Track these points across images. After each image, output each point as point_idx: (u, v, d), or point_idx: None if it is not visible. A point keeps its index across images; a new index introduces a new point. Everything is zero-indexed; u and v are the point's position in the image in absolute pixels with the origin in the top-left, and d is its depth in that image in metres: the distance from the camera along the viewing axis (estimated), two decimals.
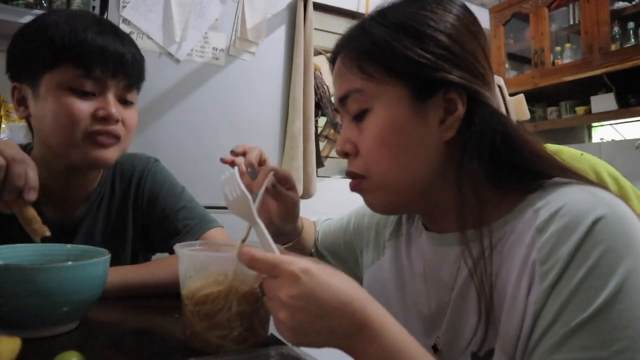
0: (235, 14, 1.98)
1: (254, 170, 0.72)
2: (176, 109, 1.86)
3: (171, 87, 1.86)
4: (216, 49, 1.94)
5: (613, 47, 2.45)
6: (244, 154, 0.73)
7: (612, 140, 2.80)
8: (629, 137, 2.74)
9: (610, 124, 2.91)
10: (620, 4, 2.50)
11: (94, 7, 1.73)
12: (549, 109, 2.94)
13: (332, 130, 2.44)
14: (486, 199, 0.54)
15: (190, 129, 1.88)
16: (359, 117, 0.59)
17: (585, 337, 0.42)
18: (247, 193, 0.53)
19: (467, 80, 0.55)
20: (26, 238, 0.69)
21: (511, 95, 2.10)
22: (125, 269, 0.80)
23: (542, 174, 0.54)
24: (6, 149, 0.64)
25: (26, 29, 0.80)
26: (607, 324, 0.42)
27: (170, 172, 0.99)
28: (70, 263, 0.58)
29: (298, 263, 0.44)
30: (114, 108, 0.80)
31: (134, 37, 1.77)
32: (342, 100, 0.60)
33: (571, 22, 2.78)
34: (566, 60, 2.70)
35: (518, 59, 3.09)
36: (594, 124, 3.02)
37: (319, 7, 2.36)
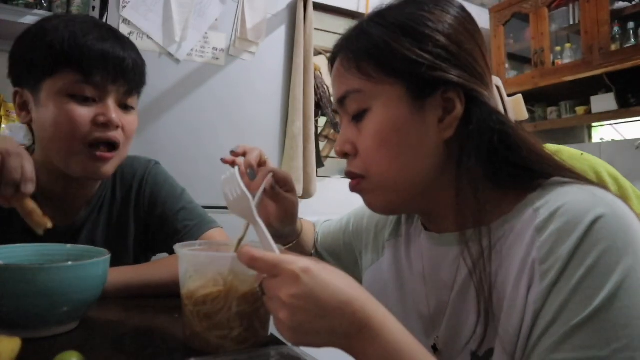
0: (235, 14, 1.98)
1: (253, 171, 0.72)
2: (176, 109, 1.86)
3: (171, 87, 1.86)
4: (216, 49, 1.94)
5: (613, 47, 2.45)
6: (244, 155, 0.73)
7: (612, 140, 2.80)
8: (629, 137, 2.74)
9: (610, 124, 2.91)
10: (620, 4, 2.50)
11: (94, 7, 1.73)
12: (549, 109, 2.94)
13: (332, 130, 2.44)
14: (485, 198, 0.54)
15: (190, 129, 1.88)
16: (358, 117, 0.59)
17: (584, 336, 0.42)
18: (248, 193, 0.54)
19: (465, 79, 0.55)
20: (26, 238, 0.69)
21: (510, 95, 2.10)
22: (126, 269, 0.80)
23: (541, 173, 0.54)
24: (6, 142, 0.63)
25: (27, 33, 0.80)
26: (607, 323, 0.42)
27: (170, 174, 0.99)
28: (70, 263, 0.58)
29: (298, 262, 0.44)
30: (114, 114, 0.79)
31: (133, 37, 1.78)
32: (341, 100, 0.60)
33: (571, 22, 2.78)
34: (566, 60, 2.70)
35: (518, 59, 3.09)
36: (594, 124, 3.02)
37: (319, 7, 2.36)
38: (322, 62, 2.36)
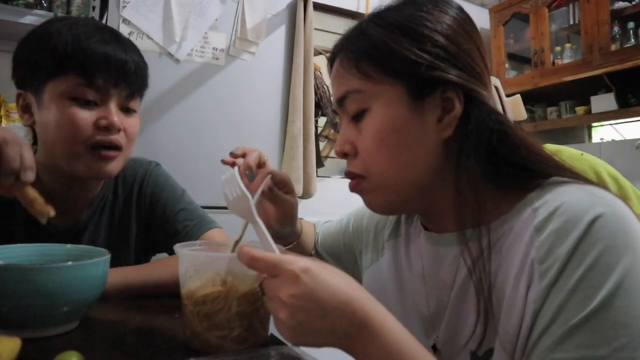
0: (235, 14, 1.98)
1: (251, 173, 0.72)
2: (176, 109, 1.86)
3: (171, 87, 1.86)
4: (216, 49, 1.94)
5: (613, 47, 2.45)
6: (243, 156, 0.73)
7: (612, 140, 2.80)
8: (629, 137, 2.74)
9: (610, 124, 2.91)
10: (620, 4, 2.50)
11: (94, 7, 1.73)
12: (549, 109, 2.95)
13: (332, 130, 2.44)
14: (485, 198, 0.54)
15: (190, 129, 1.88)
16: (358, 117, 0.59)
17: (584, 335, 0.42)
18: (248, 193, 0.54)
19: (463, 79, 0.55)
20: (29, 228, 0.69)
21: (510, 95, 2.11)
22: (126, 269, 0.80)
23: (540, 173, 0.54)
24: (5, 132, 0.62)
25: (30, 36, 0.80)
26: (606, 323, 0.42)
27: (170, 175, 1.00)
28: (70, 263, 0.58)
29: (298, 262, 0.44)
30: (116, 117, 0.80)
31: (133, 37, 1.78)
32: (341, 101, 0.61)
33: (571, 22, 2.78)
34: (566, 60, 2.71)
35: (518, 59, 3.09)
36: (594, 124, 3.02)
37: (319, 7, 2.36)
38: (322, 62, 2.36)
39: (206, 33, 1.92)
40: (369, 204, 0.62)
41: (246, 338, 0.54)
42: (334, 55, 0.63)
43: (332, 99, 2.31)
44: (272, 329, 0.53)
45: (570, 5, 2.75)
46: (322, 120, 2.43)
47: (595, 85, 2.61)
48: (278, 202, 0.74)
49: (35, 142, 0.86)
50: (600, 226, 0.45)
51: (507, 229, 0.53)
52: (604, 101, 2.59)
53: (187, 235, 0.90)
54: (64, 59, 0.76)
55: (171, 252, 0.92)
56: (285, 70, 2.09)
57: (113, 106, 0.80)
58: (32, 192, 0.65)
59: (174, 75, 1.87)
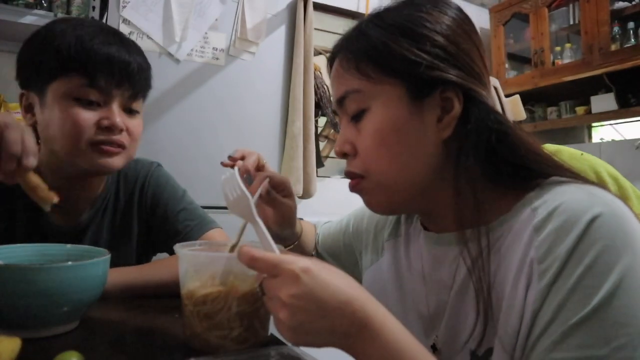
0: (235, 14, 1.98)
1: (250, 176, 0.72)
2: (176, 109, 1.86)
3: (171, 87, 1.86)
4: (216, 49, 1.94)
5: (613, 47, 2.45)
6: (242, 159, 0.73)
7: (612, 140, 2.80)
8: (629, 137, 2.74)
9: (610, 124, 2.91)
10: (620, 4, 2.50)
11: (94, 7, 1.73)
12: (549, 109, 2.94)
13: (332, 130, 2.44)
14: (484, 198, 0.54)
15: (190, 129, 1.88)
16: (357, 117, 0.59)
17: (583, 335, 0.42)
18: (248, 193, 0.54)
19: (463, 79, 0.55)
20: (27, 237, 0.69)
21: (509, 95, 2.11)
22: (127, 269, 0.80)
23: (539, 173, 0.54)
24: (5, 117, 0.60)
25: (34, 37, 0.81)
26: (605, 322, 0.42)
27: (171, 175, 1.00)
28: (70, 263, 0.58)
29: (298, 262, 0.44)
30: (118, 117, 0.80)
31: (133, 37, 1.78)
32: (340, 101, 0.61)
33: (571, 22, 2.78)
34: (566, 60, 2.70)
35: (518, 59, 3.09)
36: (594, 124, 3.02)
37: (319, 7, 2.36)
38: (322, 62, 2.36)
39: (206, 33, 1.92)
40: (368, 204, 0.62)
41: (246, 338, 0.54)
42: (334, 56, 0.63)
43: (332, 99, 2.32)
44: (272, 329, 0.53)
45: (570, 5, 2.75)
46: (322, 120, 2.43)
47: (595, 85, 2.61)
48: (277, 205, 0.74)
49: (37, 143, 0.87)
50: (599, 226, 0.45)
51: (507, 229, 0.53)
52: (604, 101, 2.59)
53: (187, 235, 0.90)
54: (67, 59, 0.77)
55: (172, 252, 0.92)
56: (285, 70, 2.09)
57: (115, 107, 0.80)
58: (35, 179, 0.63)
59: (174, 75, 1.87)
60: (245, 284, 0.54)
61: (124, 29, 1.76)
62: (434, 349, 0.59)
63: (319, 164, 2.29)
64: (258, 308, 0.55)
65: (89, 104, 0.78)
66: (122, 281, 0.75)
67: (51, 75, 0.78)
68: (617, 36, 2.49)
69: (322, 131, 2.46)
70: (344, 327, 0.44)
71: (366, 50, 0.57)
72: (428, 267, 0.63)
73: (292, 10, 2.13)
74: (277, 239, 0.79)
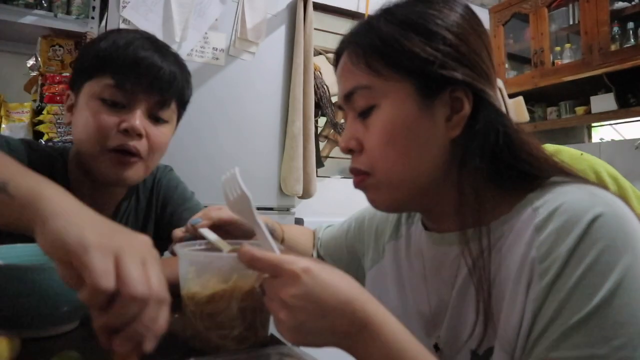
0: (235, 14, 1.98)
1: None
2: None
3: None
4: (216, 49, 1.94)
5: (613, 47, 2.45)
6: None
7: (612, 140, 2.80)
8: (628, 137, 2.75)
9: (610, 124, 2.92)
10: (620, 4, 2.50)
11: (94, 7, 1.73)
12: (549, 109, 2.95)
13: (332, 130, 2.44)
14: (486, 198, 0.54)
15: (190, 129, 1.87)
16: (365, 113, 0.58)
17: (583, 334, 0.42)
18: (248, 193, 0.53)
19: (473, 79, 0.55)
20: (27, 237, 0.69)
21: (510, 96, 2.11)
22: None
23: (540, 173, 0.54)
24: (153, 274, 0.41)
25: (88, 42, 0.88)
26: (606, 322, 0.42)
27: (181, 179, 1.05)
28: None
29: (299, 262, 0.44)
30: (138, 121, 0.80)
31: None
32: (348, 96, 0.60)
33: (571, 22, 2.78)
34: (566, 61, 2.71)
35: (518, 59, 3.09)
36: (593, 124, 3.02)
37: (319, 7, 2.36)
38: (322, 62, 2.36)
39: (206, 33, 1.92)
40: (372, 201, 0.61)
41: (246, 337, 0.54)
42: (341, 50, 0.62)
43: (333, 98, 2.31)
44: (272, 329, 0.53)
45: (570, 6, 2.75)
46: (322, 120, 2.43)
47: (595, 85, 2.61)
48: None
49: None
50: (600, 226, 0.45)
51: (508, 229, 0.53)
52: (603, 101, 2.59)
53: None
54: (101, 60, 0.79)
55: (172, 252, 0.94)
56: (285, 70, 2.09)
57: (139, 111, 0.81)
58: None
59: None
60: (246, 284, 0.54)
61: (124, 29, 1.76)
62: (436, 348, 0.59)
63: (319, 164, 2.29)
64: (259, 307, 0.55)
65: (113, 106, 0.80)
66: None
67: (86, 76, 0.81)
68: (617, 36, 2.49)
69: (322, 131, 2.46)
70: (344, 327, 0.44)
71: (376, 45, 0.57)
72: (429, 267, 0.63)
73: (292, 10, 2.13)
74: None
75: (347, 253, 0.86)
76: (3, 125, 1.68)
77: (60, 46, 1.76)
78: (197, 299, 0.54)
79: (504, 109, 0.57)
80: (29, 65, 1.86)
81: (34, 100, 1.77)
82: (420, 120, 0.55)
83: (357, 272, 0.83)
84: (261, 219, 0.53)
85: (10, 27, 1.64)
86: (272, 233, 0.82)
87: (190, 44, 1.89)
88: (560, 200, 0.49)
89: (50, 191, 0.44)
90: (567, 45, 2.74)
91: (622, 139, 2.80)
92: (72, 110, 0.85)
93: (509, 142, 0.54)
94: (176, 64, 0.85)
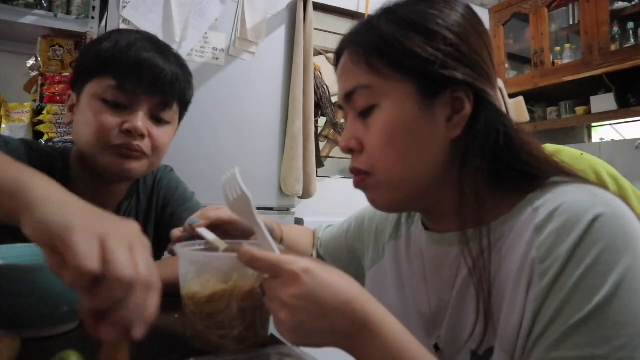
0: (235, 14, 1.98)
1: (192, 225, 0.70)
2: None
3: None
4: (216, 49, 1.94)
5: (613, 47, 2.45)
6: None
7: (612, 140, 2.80)
8: (628, 137, 2.75)
9: (610, 124, 2.92)
10: (620, 4, 2.50)
11: (94, 7, 1.73)
12: (549, 109, 2.95)
13: (332, 130, 2.44)
14: (486, 198, 0.54)
15: (190, 129, 1.87)
16: (365, 113, 0.58)
17: (584, 334, 0.42)
18: (248, 193, 0.53)
19: (474, 79, 0.55)
20: (27, 237, 0.69)
21: (511, 96, 2.11)
22: None
23: (540, 173, 0.54)
24: (141, 258, 0.40)
25: (90, 42, 0.88)
26: (606, 322, 0.42)
27: (181, 180, 1.05)
28: None
29: (299, 263, 0.44)
30: (141, 122, 0.80)
31: None
32: (349, 95, 0.59)
33: (571, 22, 2.78)
34: (566, 61, 2.71)
35: (518, 59, 3.09)
36: (593, 124, 3.02)
37: (319, 7, 2.35)
38: (322, 62, 2.36)
39: (206, 33, 1.92)
40: (372, 201, 0.61)
41: (246, 337, 0.54)
42: (342, 49, 0.62)
43: (333, 98, 2.31)
44: (272, 329, 0.53)
45: (570, 6, 2.75)
46: (322, 120, 2.43)
47: (595, 85, 2.61)
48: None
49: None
50: (601, 226, 0.45)
51: (508, 229, 0.53)
52: (603, 101, 2.59)
53: None
54: (103, 61, 0.79)
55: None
56: (285, 70, 2.09)
57: (141, 112, 0.81)
58: (125, 356, 0.44)
59: None
60: (247, 284, 0.54)
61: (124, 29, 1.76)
62: (436, 348, 0.59)
63: (319, 164, 2.29)
64: (259, 307, 0.55)
65: (115, 107, 0.80)
66: None
67: (88, 77, 0.81)
68: (617, 36, 2.49)
69: (322, 131, 2.46)
70: (345, 327, 0.44)
71: (377, 44, 0.56)
72: (429, 267, 0.63)
73: (292, 10, 2.13)
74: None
75: (347, 253, 0.86)
76: (3, 125, 1.68)
77: (60, 46, 1.76)
78: (197, 299, 0.54)
79: (504, 109, 0.57)
80: (29, 65, 1.86)
81: (34, 100, 1.77)
82: (420, 120, 0.55)
83: (357, 272, 0.83)
84: (260, 219, 0.53)
85: (10, 27, 1.64)
86: (271, 233, 0.82)
87: (190, 44, 1.89)
88: (560, 200, 0.48)
89: (36, 180, 0.44)
90: (567, 45, 2.74)
91: (622, 139, 2.80)
92: (74, 110, 0.85)
93: (510, 142, 0.54)
94: (178, 65, 0.86)
